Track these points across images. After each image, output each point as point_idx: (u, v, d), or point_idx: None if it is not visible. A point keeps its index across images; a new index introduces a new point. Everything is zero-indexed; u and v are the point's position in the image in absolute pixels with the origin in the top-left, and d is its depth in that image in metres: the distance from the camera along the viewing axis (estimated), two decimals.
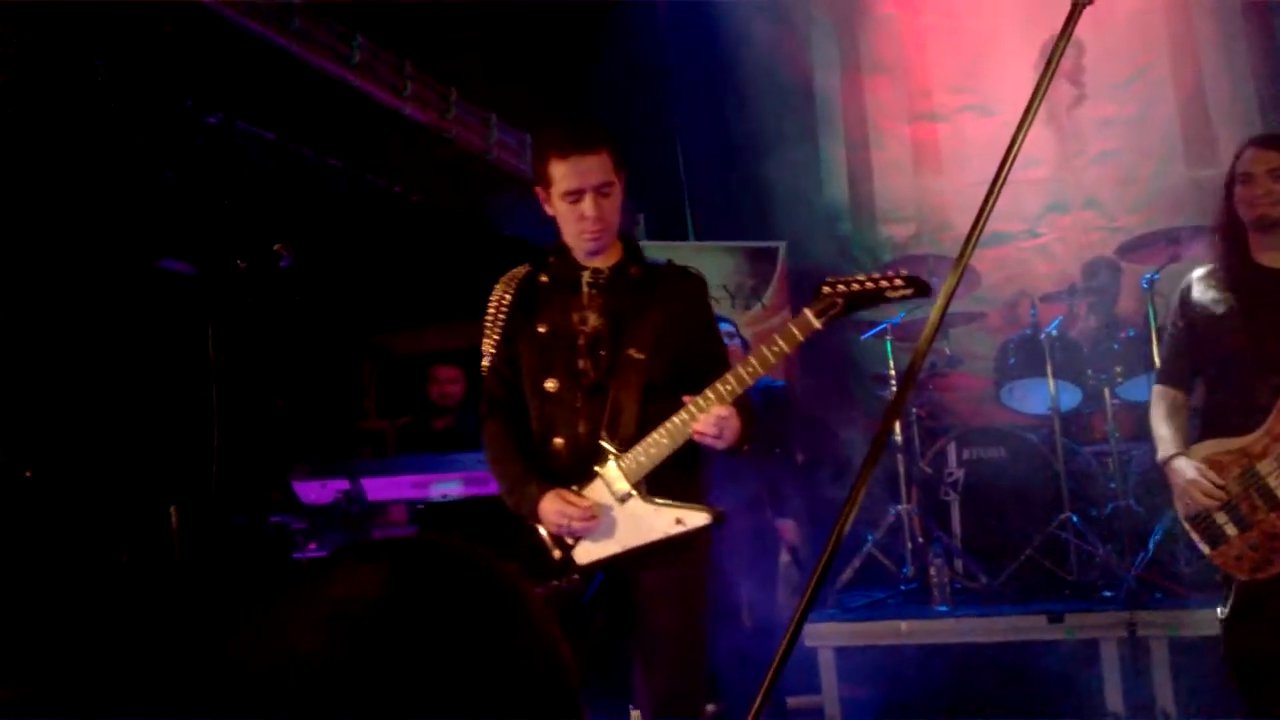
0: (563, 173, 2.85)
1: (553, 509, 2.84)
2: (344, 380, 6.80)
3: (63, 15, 3.56)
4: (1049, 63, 1.87)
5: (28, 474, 4.33)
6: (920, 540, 5.57)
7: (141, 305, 4.62)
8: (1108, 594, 4.92)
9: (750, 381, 2.71)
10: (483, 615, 0.86)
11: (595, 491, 2.87)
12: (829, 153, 7.96)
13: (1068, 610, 4.68)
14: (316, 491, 5.15)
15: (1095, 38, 7.51)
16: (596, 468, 2.86)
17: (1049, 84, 1.86)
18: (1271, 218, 3.14)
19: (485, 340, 3.05)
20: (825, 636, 4.86)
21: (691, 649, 2.91)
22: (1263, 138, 3.25)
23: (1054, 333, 5.57)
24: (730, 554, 5.49)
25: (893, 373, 5.96)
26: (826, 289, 2.66)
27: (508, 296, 3.04)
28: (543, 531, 2.90)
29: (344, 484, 4.99)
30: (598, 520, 2.83)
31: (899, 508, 5.67)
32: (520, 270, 3.08)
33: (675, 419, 2.77)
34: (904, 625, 4.86)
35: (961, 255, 1.83)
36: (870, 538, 5.59)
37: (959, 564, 5.45)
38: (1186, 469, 3.18)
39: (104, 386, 4.62)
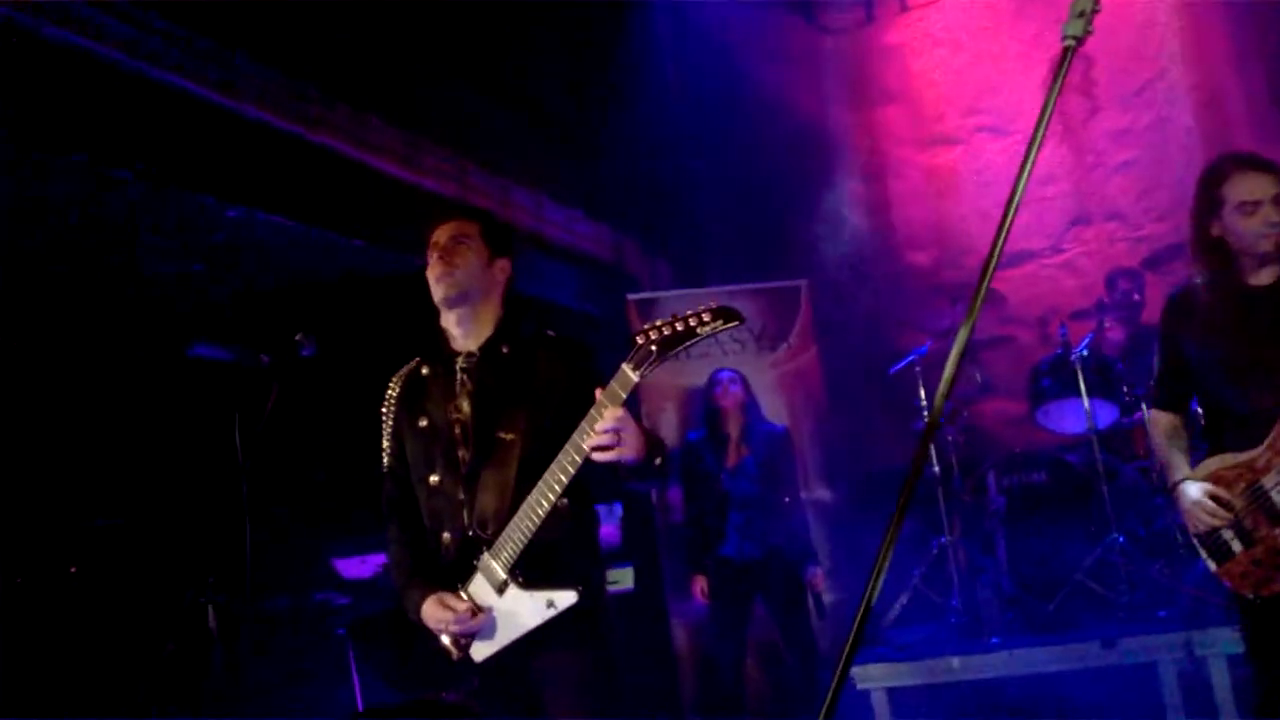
0: (432, 237, 3.01)
1: (431, 615, 2.82)
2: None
3: (97, 123, 3.66)
4: (1044, 105, 1.89)
5: (72, 569, 4.40)
6: (966, 572, 5.51)
7: (176, 399, 4.69)
8: (1162, 614, 4.84)
9: (607, 425, 2.59)
10: None
11: (477, 586, 2.83)
12: (846, 186, 7.97)
13: (1121, 635, 4.60)
14: (357, 567, 5.19)
15: (1104, 48, 7.50)
16: (474, 561, 2.83)
17: (1046, 125, 1.86)
18: (1276, 245, 3.09)
19: (383, 439, 3.06)
20: (877, 678, 4.80)
21: None
22: (1248, 159, 3.14)
23: (1085, 352, 5.52)
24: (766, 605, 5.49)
25: (924, 403, 5.92)
26: (640, 339, 2.59)
27: (394, 393, 3.05)
28: (443, 637, 2.87)
29: (384, 557, 5.02)
30: (480, 619, 2.79)
31: (942, 540, 5.62)
32: (409, 365, 3.08)
33: (531, 498, 2.71)
34: (956, 661, 4.79)
35: (976, 295, 1.84)
36: (916, 572, 5.54)
37: (1008, 593, 5.38)
38: (1192, 491, 3.15)
39: (137, 483, 4.68)
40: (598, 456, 2.64)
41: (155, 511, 4.69)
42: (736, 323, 2.60)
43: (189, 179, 3.99)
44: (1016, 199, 1.82)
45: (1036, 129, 1.85)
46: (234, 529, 3.51)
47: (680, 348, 2.60)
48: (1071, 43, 1.89)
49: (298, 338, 3.45)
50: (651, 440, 2.74)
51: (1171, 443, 3.32)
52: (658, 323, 2.60)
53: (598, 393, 2.64)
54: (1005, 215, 1.80)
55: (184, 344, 3.92)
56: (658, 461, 2.76)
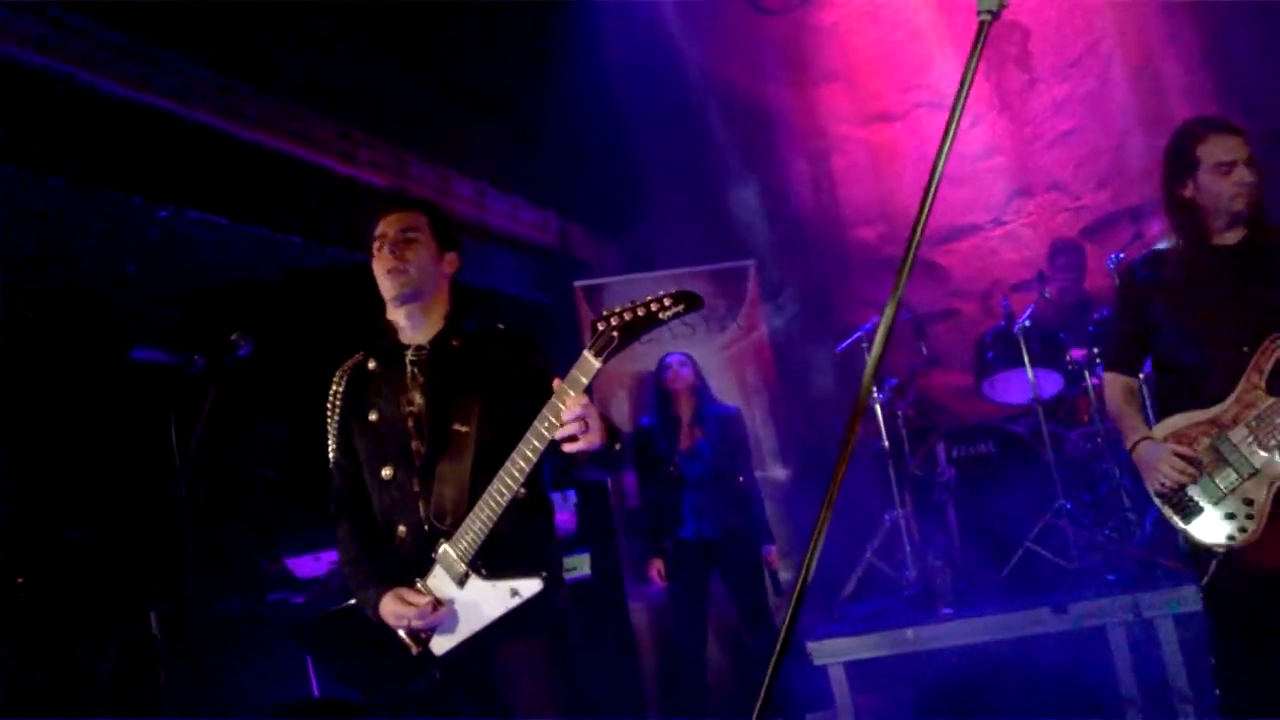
0: (378, 228, 2.98)
1: (390, 610, 2.81)
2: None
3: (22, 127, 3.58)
4: (962, 79, 1.89)
5: (19, 580, 4.33)
6: (919, 544, 5.57)
7: (113, 403, 4.61)
8: (1110, 578, 4.91)
9: (573, 412, 2.60)
10: None
11: (437, 579, 2.82)
12: (789, 165, 7.99)
13: (1071, 600, 4.66)
14: (311, 565, 5.14)
15: (1039, 20, 7.57)
16: (433, 553, 2.82)
17: (965, 100, 1.86)
18: (1247, 207, 3.17)
19: (329, 435, 3.04)
20: (833, 653, 4.84)
21: None
22: (1222, 122, 3.23)
23: (1028, 323, 5.58)
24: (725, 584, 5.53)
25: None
26: (600, 325, 2.60)
27: (339, 388, 3.02)
28: (401, 632, 2.86)
29: (336, 554, 4.98)
30: (440, 612, 2.78)
31: (894, 513, 5.67)
32: (352, 360, 3.06)
33: (491, 488, 2.72)
34: (910, 633, 4.83)
35: (900, 272, 1.85)
36: (869, 546, 5.58)
37: (959, 563, 5.44)
38: (1157, 449, 3.20)
39: (78, 491, 4.61)
40: (566, 446, 2.65)
41: (98, 522, 4.62)
42: (698, 307, 2.61)
43: (117, 179, 3.91)
44: (937, 175, 1.83)
45: (955, 105, 1.85)
46: (177, 537, 3.47)
47: (642, 332, 2.61)
48: (987, 17, 1.89)
49: (233, 338, 3.40)
50: (610, 427, 2.74)
51: (1129, 403, 3.39)
52: (618, 308, 2.61)
53: (556, 382, 2.64)
54: (927, 191, 1.81)
55: (120, 347, 3.86)
56: (617, 448, 2.77)
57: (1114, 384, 3.45)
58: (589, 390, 2.65)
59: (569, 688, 2.87)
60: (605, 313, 2.62)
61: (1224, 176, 3.16)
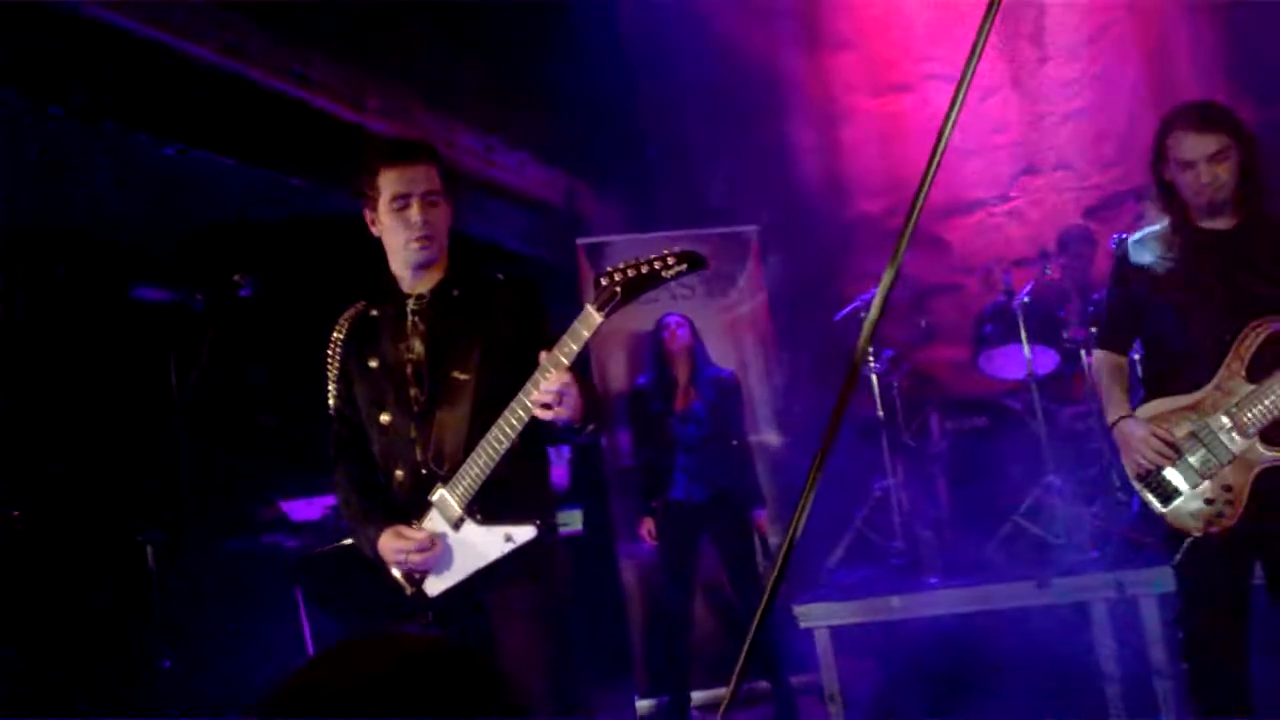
0: (390, 180, 2.90)
1: (389, 546, 2.84)
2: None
3: (27, 57, 3.57)
4: (971, 52, 1.89)
5: (15, 514, 4.37)
6: (908, 514, 5.61)
7: (114, 340, 4.63)
8: (1094, 555, 4.95)
9: (551, 387, 2.63)
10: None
11: (433, 522, 2.86)
12: (797, 133, 7.96)
13: (1055, 574, 4.71)
14: (305, 509, 5.18)
15: None
16: (430, 497, 2.86)
17: (971, 78, 1.87)
18: (1218, 201, 3.17)
19: (329, 381, 3.06)
20: (819, 617, 4.89)
21: (549, 668, 2.85)
22: (1194, 116, 3.20)
23: (1027, 299, 5.59)
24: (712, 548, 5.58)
25: (870, 349, 5.98)
26: (604, 280, 2.63)
27: (340, 336, 3.04)
28: (395, 571, 2.90)
29: (332, 500, 5.02)
30: (437, 549, 2.82)
31: (885, 482, 5.71)
32: (355, 308, 3.07)
33: (489, 435, 2.75)
34: (896, 601, 4.89)
35: (899, 241, 1.87)
36: (859, 515, 5.63)
37: (947, 535, 5.49)
38: (1137, 429, 3.24)
39: (77, 424, 4.64)
40: (538, 412, 2.68)
41: (97, 455, 4.66)
42: (701, 267, 2.65)
43: (123, 115, 3.91)
44: (942, 146, 1.84)
45: (963, 77, 1.86)
46: (174, 471, 3.50)
47: (645, 290, 2.64)
48: None
49: (236, 278, 3.43)
50: (590, 406, 2.76)
51: (1114, 381, 3.42)
52: (621, 265, 2.63)
53: (543, 356, 2.67)
54: (930, 162, 1.82)
55: (122, 284, 3.88)
56: (590, 428, 2.80)
57: (1103, 361, 3.48)
58: (581, 353, 2.68)
59: (559, 635, 2.91)
60: (609, 269, 2.65)
61: (1183, 173, 3.17)
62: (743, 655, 1.86)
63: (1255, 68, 6.73)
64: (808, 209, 7.83)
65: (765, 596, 1.79)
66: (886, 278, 1.83)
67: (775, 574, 1.81)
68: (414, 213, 2.88)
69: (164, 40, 3.96)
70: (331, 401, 3.06)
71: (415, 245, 2.90)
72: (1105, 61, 7.53)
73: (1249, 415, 3.09)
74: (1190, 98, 3.46)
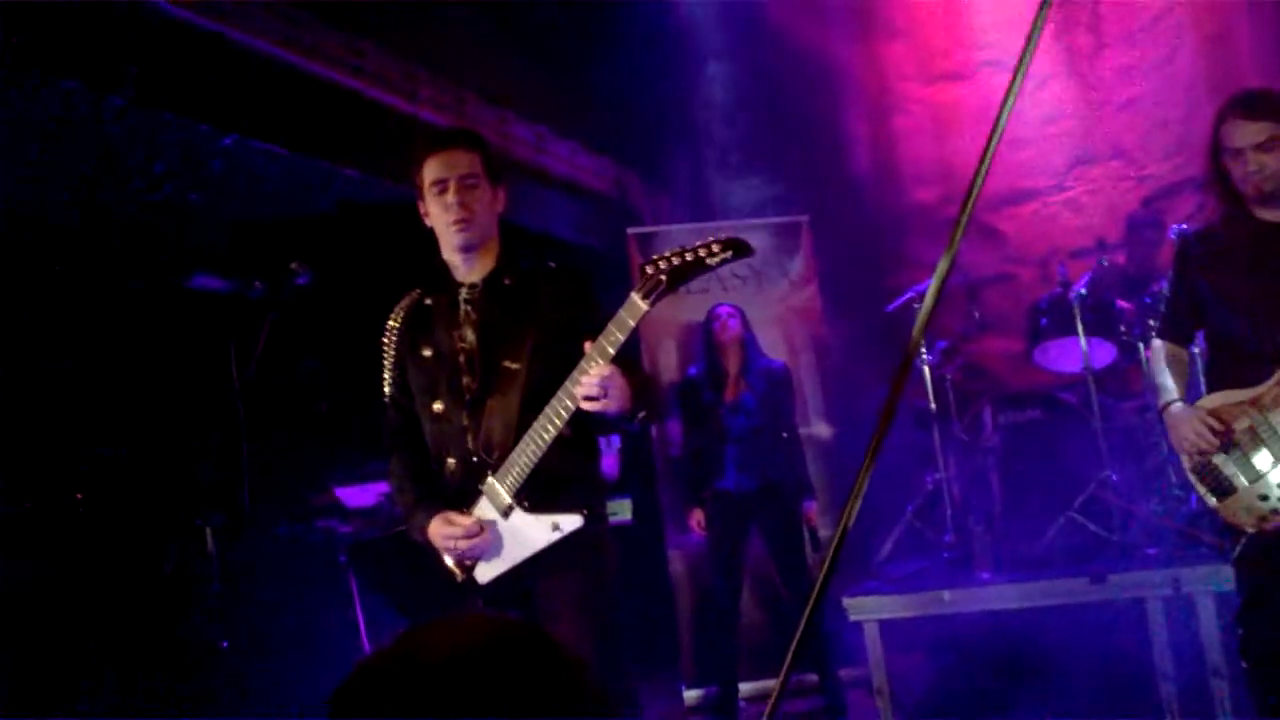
0: (431, 166, 2.94)
1: (439, 532, 2.87)
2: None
3: (90, 47, 3.63)
4: (1028, 39, 1.87)
5: (79, 496, 4.46)
6: (960, 507, 5.56)
7: (172, 328, 4.71)
8: (1151, 551, 4.88)
9: (595, 376, 2.64)
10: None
11: (482, 509, 2.88)
12: (850, 122, 7.90)
13: (1110, 571, 4.64)
14: (359, 495, 5.24)
15: None
16: (480, 485, 2.87)
17: (1028, 65, 1.84)
18: (1266, 190, 3.11)
19: (384, 369, 3.09)
20: (869, 610, 4.86)
21: (595, 658, 2.83)
22: (1244, 105, 3.16)
23: (1084, 291, 5.51)
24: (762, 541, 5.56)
25: (923, 340, 5.93)
26: (649, 268, 2.62)
27: (396, 324, 3.06)
28: (447, 558, 2.93)
29: (385, 486, 5.07)
30: (486, 536, 2.84)
31: (936, 475, 5.66)
32: (410, 296, 3.09)
33: (537, 424, 2.76)
34: (947, 595, 4.84)
35: (955, 229, 1.85)
36: (910, 508, 5.58)
37: (1000, 529, 5.42)
38: (1184, 412, 3.21)
39: (137, 411, 4.72)
40: (584, 405, 2.69)
41: (156, 441, 4.74)
42: (747, 254, 2.64)
43: (183, 106, 3.97)
44: (997, 134, 1.82)
45: (1020, 63, 1.83)
46: (233, 456, 3.55)
47: (690, 278, 2.64)
48: None
49: (293, 266, 3.46)
50: (639, 395, 2.76)
51: (1169, 368, 3.39)
52: (667, 253, 2.63)
53: (587, 345, 2.68)
54: (986, 150, 1.80)
55: (181, 274, 3.94)
56: (641, 415, 2.80)
57: (1160, 350, 3.45)
58: (631, 341, 2.69)
59: (608, 625, 2.92)
60: (654, 257, 2.65)
61: (1234, 161, 3.14)
62: (793, 647, 1.85)
63: None
64: (860, 198, 7.77)
65: (816, 588, 1.78)
66: (942, 267, 1.80)
67: (827, 565, 1.79)
68: (450, 195, 2.90)
69: (221, 31, 4.01)
70: (387, 389, 3.10)
71: (454, 228, 2.92)
72: (1163, 49, 7.39)
73: None
74: (1249, 85, 3.40)
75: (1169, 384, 3.34)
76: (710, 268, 2.63)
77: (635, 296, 2.64)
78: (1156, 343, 3.47)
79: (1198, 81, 7.24)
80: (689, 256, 2.60)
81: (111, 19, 3.68)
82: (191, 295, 3.72)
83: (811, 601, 1.81)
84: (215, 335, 3.55)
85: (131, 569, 4.22)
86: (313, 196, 5.17)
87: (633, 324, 2.65)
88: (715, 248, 2.60)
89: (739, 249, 2.61)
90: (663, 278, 2.61)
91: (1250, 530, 3.13)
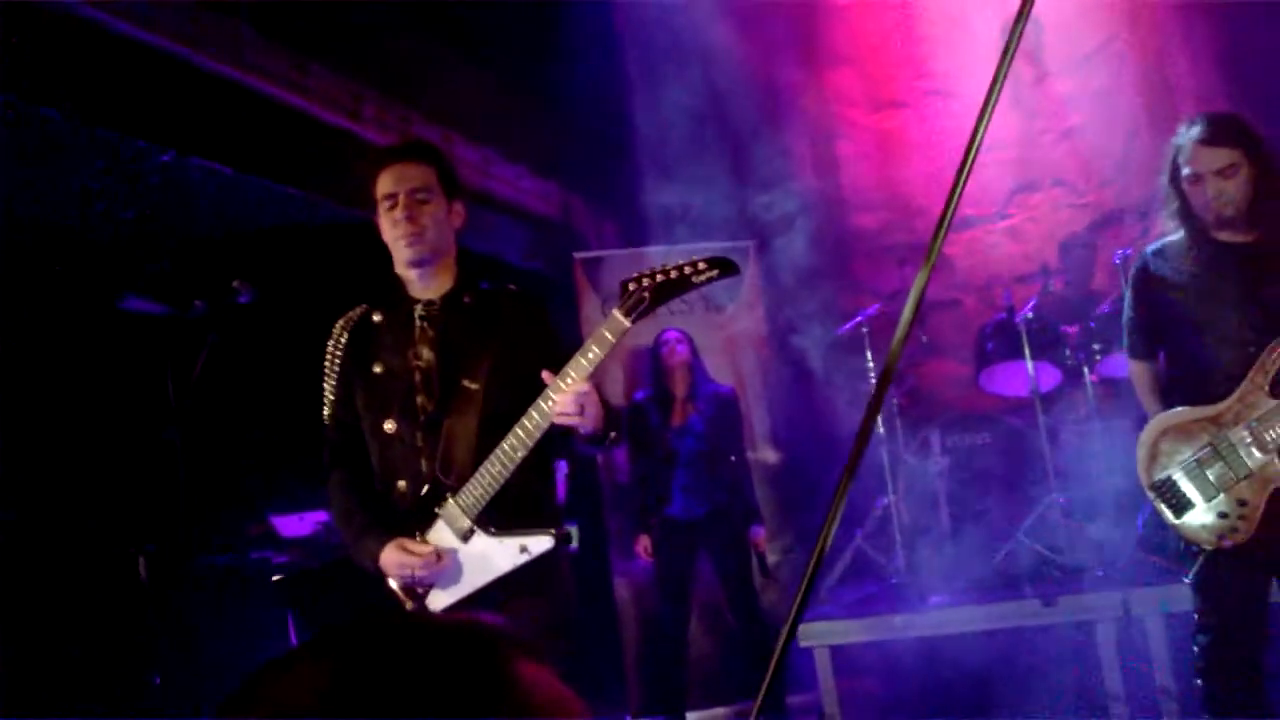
0: (382, 180, 2.86)
1: (393, 560, 2.75)
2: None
3: (21, 59, 3.49)
4: (1005, 51, 1.84)
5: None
6: (909, 531, 5.55)
7: (107, 349, 4.55)
8: (1100, 574, 4.90)
9: (572, 393, 2.59)
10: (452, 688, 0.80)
11: (438, 533, 2.78)
12: (794, 147, 7.92)
13: (1061, 593, 4.65)
14: (296, 525, 5.10)
15: (1054, 13, 7.49)
16: (436, 508, 2.77)
17: (1007, 70, 1.82)
18: (1226, 216, 3.14)
19: (325, 386, 2.97)
20: (819, 636, 4.83)
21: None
22: (1205, 130, 3.18)
23: (1029, 315, 5.55)
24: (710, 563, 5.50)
25: (871, 364, 5.93)
26: (631, 285, 2.57)
27: (343, 339, 2.95)
28: (393, 584, 2.82)
29: (323, 515, 4.94)
30: (444, 563, 2.74)
31: (885, 500, 5.65)
32: (356, 311, 2.99)
33: (504, 444, 2.68)
34: (898, 619, 4.83)
35: (930, 252, 1.81)
36: (858, 532, 5.56)
37: (949, 552, 5.42)
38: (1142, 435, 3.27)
39: (69, 435, 4.55)
40: (559, 420, 2.62)
41: (88, 466, 4.56)
42: (733, 273, 2.60)
43: (119, 121, 3.84)
44: (972, 155, 1.78)
45: (992, 85, 1.80)
46: (168, 482, 3.42)
47: (673, 296, 2.59)
48: None
49: (235, 284, 3.35)
50: (610, 415, 2.72)
51: (1154, 390, 3.44)
52: (650, 270, 2.58)
53: (545, 375, 2.63)
54: (960, 173, 1.76)
55: (115, 294, 3.80)
56: (612, 435, 2.76)
57: (1140, 373, 3.50)
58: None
59: (564, 651, 2.83)
60: (637, 273, 2.60)
61: (1193, 186, 3.17)
62: (767, 679, 1.78)
63: (1255, 86, 6.72)
64: (804, 224, 7.78)
65: (791, 615, 1.72)
66: (920, 280, 1.76)
67: (802, 592, 1.73)
68: (399, 211, 2.82)
69: (161, 45, 3.89)
70: (327, 409, 2.97)
71: (401, 242, 2.84)
72: (1103, 78, 7.51)
73: (1271, 432, 3.05)
74: (1190, 113, 3.44)
75: (1152, 406, 3.42)
76: (695, 286, 2.58)
77: (617, 313, 2.59)
78: (1133, 364, 3.50)
79: (1138, 110, 7.37)
80: (674, 274, 2.56)
81: (46, 30, 3.55)
82: (126, 316, 3.58)
83: (786, 630, 1.74)
84: (151, 357, 3.42)
85: (60, 599, 4.04)
86: (252, 216, 5.05)
87: (613, 340, 2.60)
88: (701, 265, 2.56)
89: (724, 268, 2.57)
90: (646, 295, 2.56)
91: (1208, 548, 3.13)
